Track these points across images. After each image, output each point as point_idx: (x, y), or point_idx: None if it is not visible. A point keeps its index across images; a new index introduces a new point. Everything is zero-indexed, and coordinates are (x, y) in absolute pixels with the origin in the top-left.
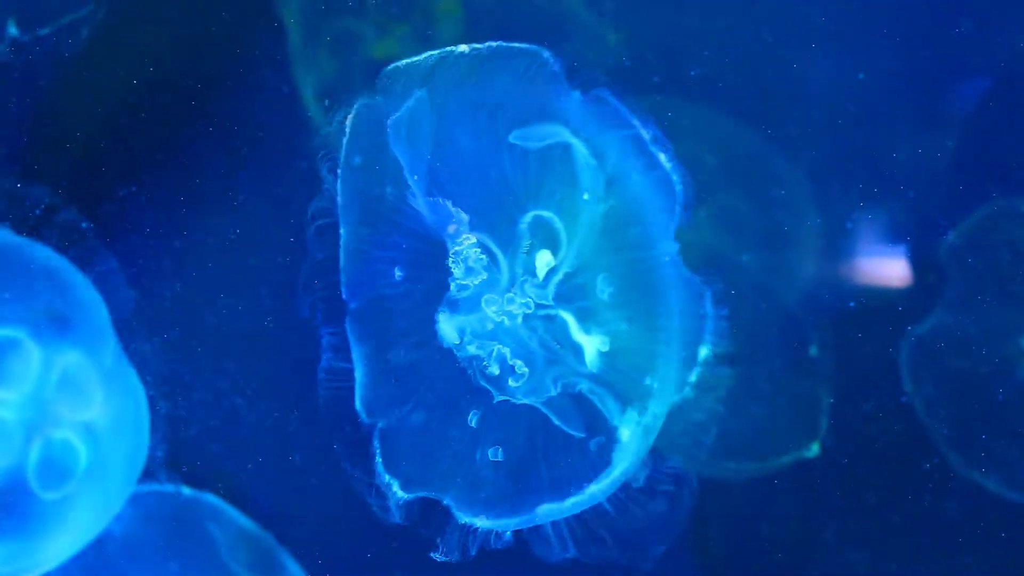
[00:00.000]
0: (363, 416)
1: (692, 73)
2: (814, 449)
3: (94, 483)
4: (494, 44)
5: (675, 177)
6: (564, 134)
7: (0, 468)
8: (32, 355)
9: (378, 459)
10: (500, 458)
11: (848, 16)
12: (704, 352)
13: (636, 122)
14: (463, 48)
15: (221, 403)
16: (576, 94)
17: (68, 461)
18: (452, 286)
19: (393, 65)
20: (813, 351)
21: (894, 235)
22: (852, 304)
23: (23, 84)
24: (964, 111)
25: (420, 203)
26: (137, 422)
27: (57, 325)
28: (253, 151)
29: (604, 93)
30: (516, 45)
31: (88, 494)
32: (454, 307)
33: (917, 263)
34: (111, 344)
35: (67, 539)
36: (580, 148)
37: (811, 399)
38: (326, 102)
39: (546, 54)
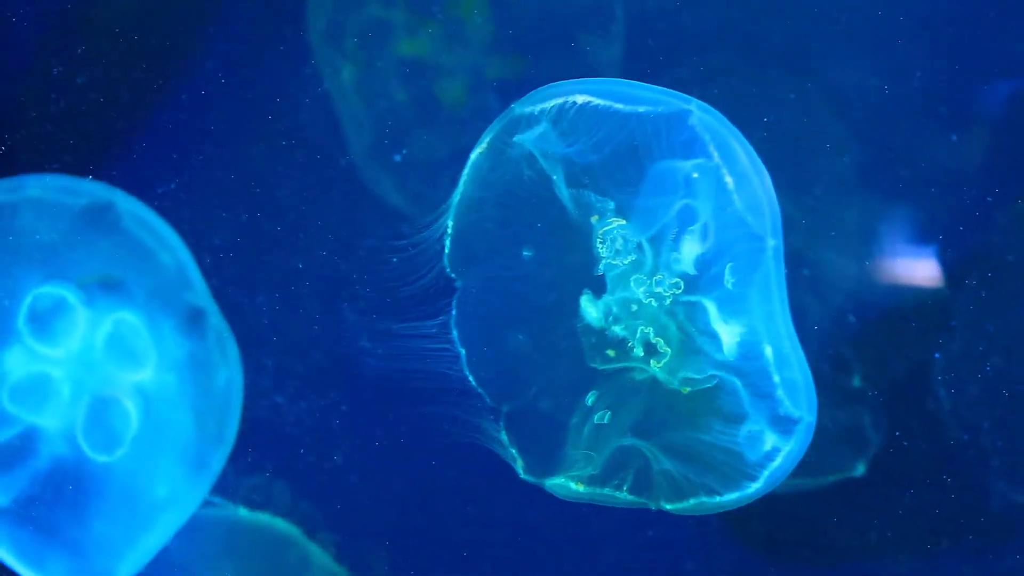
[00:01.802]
0: (487, 399)
1: (729, 78)
2: (860, 469)
3: (155, 451)
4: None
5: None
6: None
7: (51, 427)
8: (79, 313)
9: (504, 439)
10: (606, 421)
11: (878, 19)
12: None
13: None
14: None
15: (261, 402)
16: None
17: (119, 423)
18: (601, 264)
19: (518, 111)
20: (856, 382)
21: (927, 240)
22: (889, 311)
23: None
24: (995, 112)
25: (563, 193)
26: (212, 399)
27: (110, 287)
28: (291, 150)
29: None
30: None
31: (149, 461)
32: (598, 289)
33: (951, 267)
34: (175, 314)
35: (133, 513)
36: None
37: (857, 418)
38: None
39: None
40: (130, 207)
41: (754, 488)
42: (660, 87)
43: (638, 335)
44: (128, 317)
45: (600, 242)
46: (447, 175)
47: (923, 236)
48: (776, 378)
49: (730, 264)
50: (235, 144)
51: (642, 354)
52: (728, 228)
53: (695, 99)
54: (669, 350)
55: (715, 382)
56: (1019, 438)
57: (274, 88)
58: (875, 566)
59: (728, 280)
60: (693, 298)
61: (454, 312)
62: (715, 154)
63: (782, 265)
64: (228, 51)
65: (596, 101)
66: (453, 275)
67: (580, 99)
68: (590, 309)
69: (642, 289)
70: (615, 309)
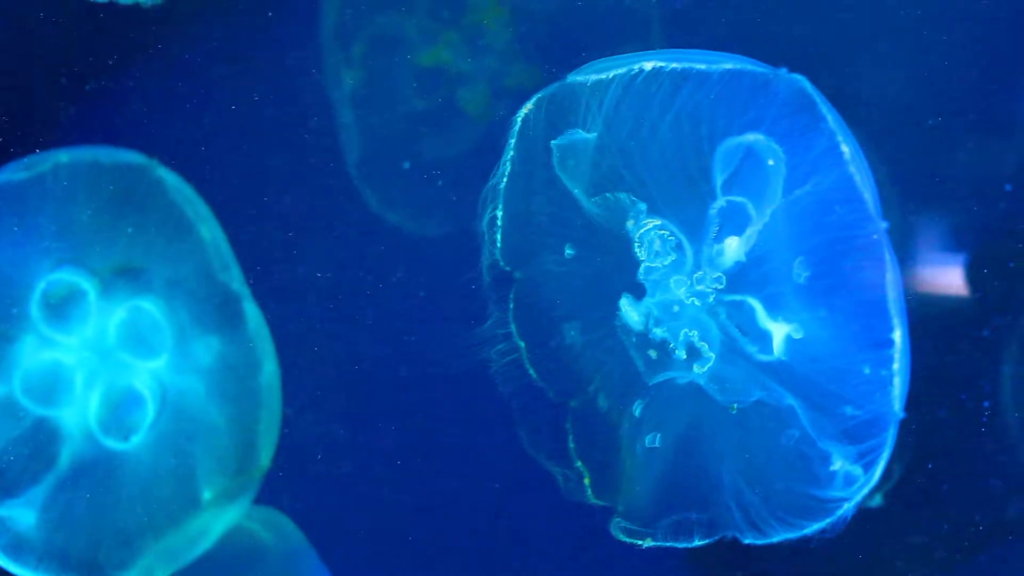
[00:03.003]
0: (550, 394)
1: None
2: (877, 499)
3: (180, 446)
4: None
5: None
6: (750, 140)
7: (66, 419)
8: (91, 300)
9: (571, 444)
10: (657, 444)
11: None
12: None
13: (827, 108)
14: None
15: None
16: (782, 82)
17: (135, 410)
18: (640, 269)
19: (582, 77)
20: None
21: (961, 243)
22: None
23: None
24: None
25: (587, 204)
26: (249, 396)
27: (128, 275)
28: (294, 157)
29: (803, 80)
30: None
31: (170, 453)
32: (638, 292)
33: (989, 271)
34: (195, 303)
35: (162, 506)
36: (773, 150)
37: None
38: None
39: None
40: (171, 176)
41: (833, 517)
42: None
43: (680, 337)
44: (146, 305)
45: (638, 246)
46: (460, 182)
47: (954, 245)
48: (849, 389)
49: (801, 258)
50: (241, 150)
51: (684, 357)
52: (808, 213)
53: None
54: (713, 355)
55: (758, 396)
56: None
57: (283, 94)
58: None
59: (799, 273)
60: (738, 296)
61: (511, 305)
62: (829, 118)
63: (891, 252)
64: (236, 54)
65: (671, 64)
66: (508, 268)
67: (648, 66)
68: (631, 312)
69: (683, 290)
70: (656, 312)
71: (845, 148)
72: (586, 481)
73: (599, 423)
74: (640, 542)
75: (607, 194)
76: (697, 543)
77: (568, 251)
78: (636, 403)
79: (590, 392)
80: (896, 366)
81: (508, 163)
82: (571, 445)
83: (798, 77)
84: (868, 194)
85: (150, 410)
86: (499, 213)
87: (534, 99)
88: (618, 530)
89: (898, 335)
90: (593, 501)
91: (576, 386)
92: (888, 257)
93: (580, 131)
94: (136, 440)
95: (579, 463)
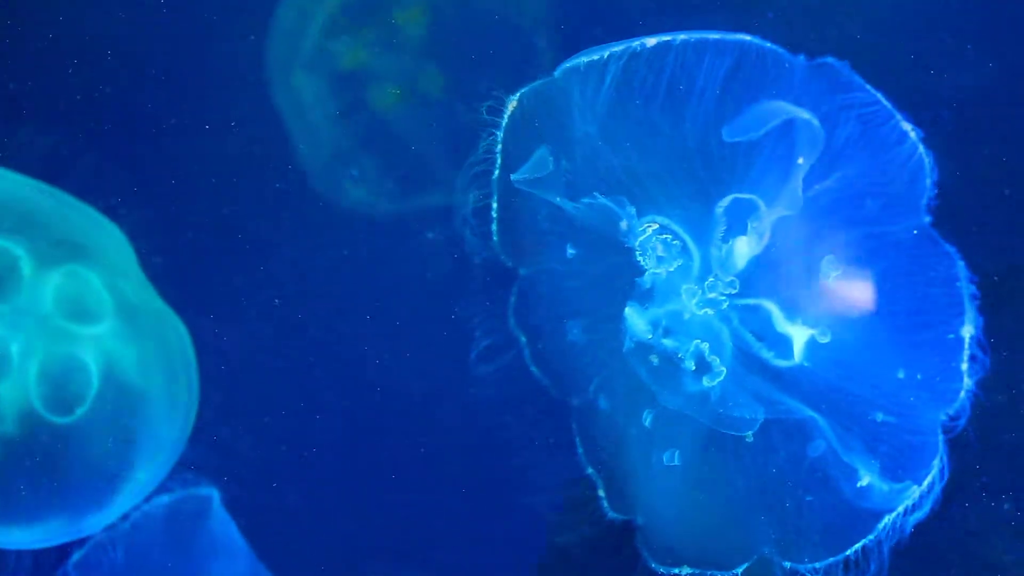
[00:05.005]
0: (552, 391)
1: None
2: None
3: (119, 411)
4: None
5: (921, 148)
6: (785, 109)
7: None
8: (25, 266)
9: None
10: (676, 462)
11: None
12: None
13: (872, 91)
14: (651, 41)
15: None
16: (801, 62)
17: (78, 379)
18: (645, 276)
19: (574, 62)
20: None
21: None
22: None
23: None
24: None
25: (573, 210)
26: (173, 363)
27: (64, 247)
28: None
29: (831, 62)
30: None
31: (110, 423)
32: (644, 299)
33: None
34: (128, 277)
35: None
36: (803, 117)
37: None
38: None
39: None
40: None
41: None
42: None
43: (691, 349)
44: (81, 271)
45: (639, 254)
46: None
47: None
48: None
49: (830, 256)
50: (192, 166)
51: (693, 368)
52: (835, 207)
53: None
54: (724, 369)
55: (764, 417)
56: None
57: (227, 105)
58: None
59: (827, 273)
60: (753, 300)
61: (513, 300)
62: (862, 100)
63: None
64: (180, 70)
65: (680, 37)
66: (510, 263)
67: (651, 41)
68: (637, 322)
69: (694, 300)
70: (665, 321)
71: (885, 134)
72: (600, 492)
73: (603, 425)
74: (677, 571)
75: (588, 198)
76: (737, 571)
77: (570, 251)
78: (645, 413)
79: (591, 392)
80: (954, 367)
81: (498, 155)
82: (579, 450)
83: (829, 60)
84: (908, 187)
85: (94, 379)
86: (493, 204)
87: (518, 94)
88: (650, 558)
89: (962, 333)
90: (612, 515)
91: (578, 384)
92: (930, 253)
93: (570, 127)
94: (80, 412)
95: (591, 470)
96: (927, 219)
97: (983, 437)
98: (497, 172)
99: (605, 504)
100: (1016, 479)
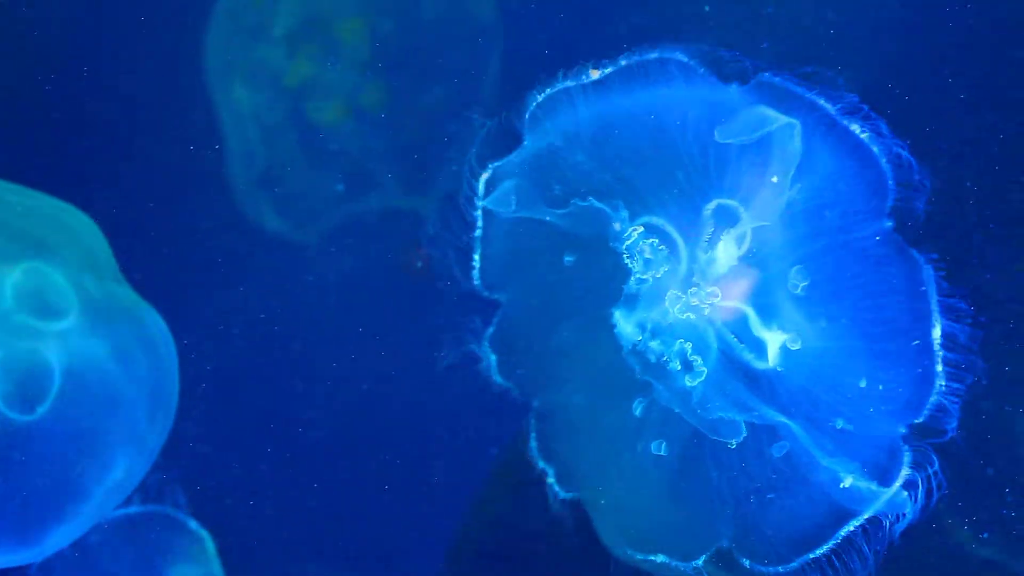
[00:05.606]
0: (515, 392)
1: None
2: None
3: (85, 411)
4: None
5: (876, 148)
6: (772, 118)
7: None
8: None
9: (532, 442)
10: (664, 452)
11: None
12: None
13: (819, 98)
14: (595, 74)
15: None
16: (734, 86)
17: (41, 376)
18: (631, 281)
19: (542, 96)
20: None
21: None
22: None
23: None
24: None
25: (561, 218)
26: (148, 363)
27: (23, 242)
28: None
29: (768, 77)
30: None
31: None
32: (631, 303)
33: None
34: (98, 273)
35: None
36: (783, 123)
37: None
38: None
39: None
40: None
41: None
42: None
43: (675, 348)
44: (42, 267)
45: (627, 257)
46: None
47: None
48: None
49: (798, 266)
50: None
51: (679, 368)
52: (803, 217)
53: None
54: (705, 369)
55: (741, 420)
56: None
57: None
58: None
59: (795, 284)
60: (732, 303)
61: (494, 325)
62: (823, 109)
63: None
64: (121, 86)
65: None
66: (486, 292)
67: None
68: (624, 325)
69: (678, 307)
70: (651, 324)
71: (835, 142)
72: (559, 484)
73: (574, 420)
74: (653, 557)
75: (577, 201)
76: (701, 563)
77: (567, 258)
78: (636, 403)
79: (566, 390)
80: (922, 375)
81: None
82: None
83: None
84: (866, 193)
85: (56, 375)
86: (477, 234)
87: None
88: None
89: (931, 340)
90: (564, 496)
91: (552, 384)
92: (894, 260)
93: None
94: (42, 411)
95: (543, 464)
96: (888, 224)
97: (972, 444)
98: (480, 206)
99: (562, 495)
100: (1004, 487)
